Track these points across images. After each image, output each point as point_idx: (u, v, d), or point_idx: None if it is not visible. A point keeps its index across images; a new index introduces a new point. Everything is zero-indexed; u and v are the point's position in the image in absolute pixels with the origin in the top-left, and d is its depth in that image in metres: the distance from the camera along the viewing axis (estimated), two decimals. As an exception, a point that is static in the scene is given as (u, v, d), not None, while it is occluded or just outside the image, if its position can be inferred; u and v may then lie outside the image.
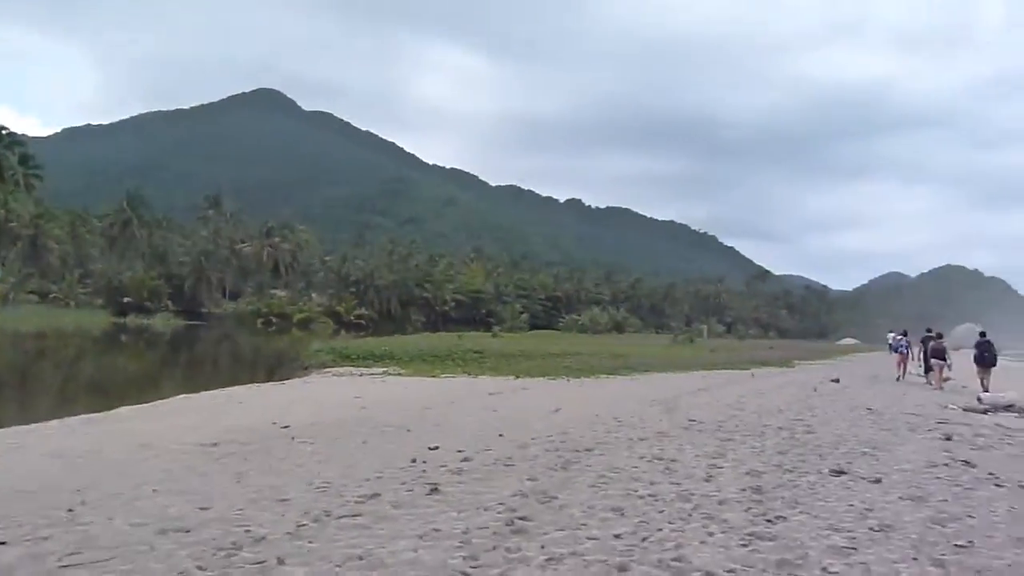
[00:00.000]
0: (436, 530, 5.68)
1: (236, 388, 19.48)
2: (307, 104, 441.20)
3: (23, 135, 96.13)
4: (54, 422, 12.61)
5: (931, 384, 23.52)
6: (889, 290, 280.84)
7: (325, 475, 7.79)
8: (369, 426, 11.74)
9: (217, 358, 40.51)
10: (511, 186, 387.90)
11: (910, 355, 27.26)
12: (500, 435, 10.66)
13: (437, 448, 9.42)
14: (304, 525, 5.79)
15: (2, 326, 52.32)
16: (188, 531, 5.60)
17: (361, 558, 4.99)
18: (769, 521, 6.06)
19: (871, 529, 5.87)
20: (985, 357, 21.37)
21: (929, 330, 25.87)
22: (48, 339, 46.71)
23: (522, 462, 8.58)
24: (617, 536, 5.57)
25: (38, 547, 5.18)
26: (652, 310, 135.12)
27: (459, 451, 9.24)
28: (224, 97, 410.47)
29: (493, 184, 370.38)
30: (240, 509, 6.32)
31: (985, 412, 15.71)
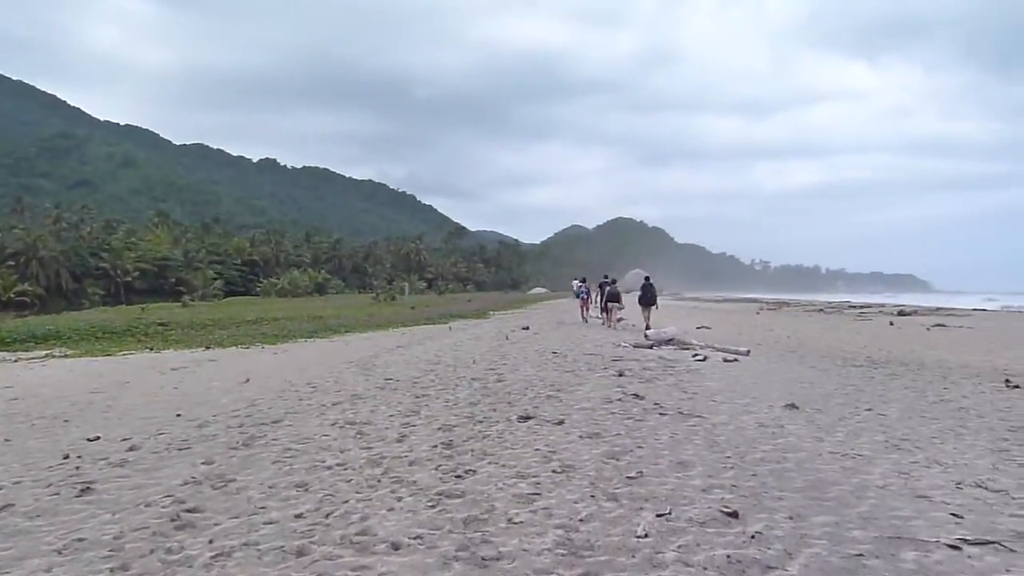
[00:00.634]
0: (80, 540, 4.81)
1: None
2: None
3: None
4: None
5: (610, 325, 25.83)
6: (572, 241, 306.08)
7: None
8: (16, 421, 10.02)
9: None
10: (198, 145, 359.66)
11: (590, 299, 29.76)
12: (178, 415, 9.62)
13: (98, 439, 8.22)
14: None
15: None
16: None
17: (-29, 591, 4.05)
18: (459, 477, 5.98)
19: (554, 472, 6.03)
20: (647, 297, 23.93)
21: (605, 276, 28.39)
22: None
23: (199, 443, 7.75)
24: (299, 516, 5.12)
25: None
26: (354, 270, 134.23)
27: (125, 439, 8.13)
28: None
29: (177, 143, 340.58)
30: None
31: (651, 347, 17.46)
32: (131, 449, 7.65)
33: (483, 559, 4.28)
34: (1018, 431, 8.62)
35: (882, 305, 63.81)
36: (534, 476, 5.91)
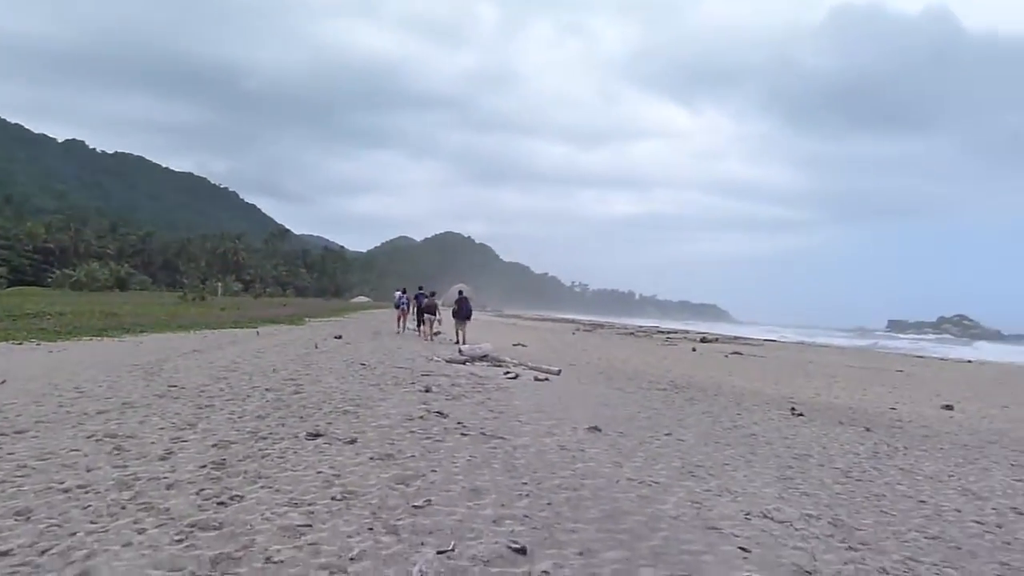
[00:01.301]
0: None
1: None
2: None
3: None
4: None
5: (426, 337, 25.35)
6: (399, 252, 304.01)
7: None
8: None
9: None
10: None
11: (409, 310, 29.18)
12: None
13: None
14: None
15: None
16: None
17: None
18: (221, 504, 5.22)
19: (333, 499, 5.41)
20: (462, 312, 23.77)
21: (421, 288, 27.93)
22: None
23: (-91, 458, 6.43)
24: (4, 554, 4.19)
25: None
26: (165, 266, 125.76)
27: None
28: None
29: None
30: None
31: (464, 363, 17.14)
32: None
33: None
34: (801, 459, 8.95)
35: (687, 332, 67.65)
36: (310, 504, 5.26)
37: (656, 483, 6.84)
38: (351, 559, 4.30)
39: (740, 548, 5.06)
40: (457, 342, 23.11)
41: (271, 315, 40.26)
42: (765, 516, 6.00)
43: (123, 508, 5.07)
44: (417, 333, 26.87)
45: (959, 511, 6.97)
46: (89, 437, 7.35)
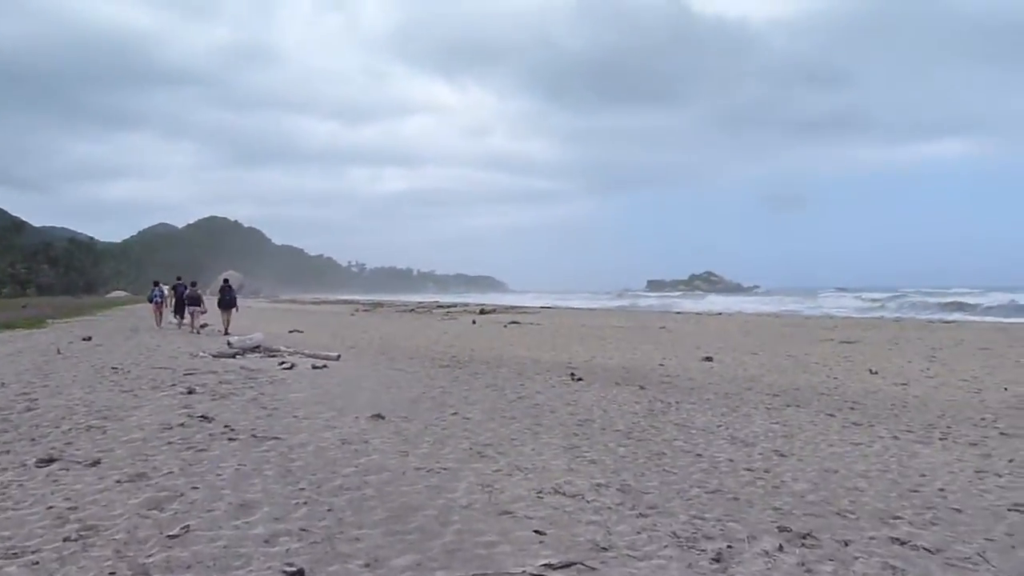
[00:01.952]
0: None
1: None
2: None
3: None
4: None
5: (192, 330, 23.44)
6: (159, 240, 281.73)
7: None
8: None
9: None
10: None
11: (165, 303, 26.88)
12: None
13: None
14: None
15: None
16: None
17: None
18: (-90, 567, 4.17)
19: (66, 540, 4.50)
20: (226, 300, 22.27)
21: (179, 278, 25.82)
22: None
23: None
24: None
25: None
26: None
27: None
28: None
29: None
30: None
31: (234, 356, 15.91)
32: None
33: None
34: (585, 424, 9.06)
35: (466, 304, 68.63)
36: (34, 552, 4.33)
37: (445, 469, 6.51)
38: (85, 617, 3.54)
39: (535, 532, 4.85)
40: (225, 333, 21.56)
41: (6, 319, 35.46)
42: (557, 492, 5.86)
43: None
44: (179, 327, 24.77)
45: (732, 460, 7.30)
46: None
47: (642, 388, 12.50)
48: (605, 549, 4.58)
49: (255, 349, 16.93)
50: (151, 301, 27.82)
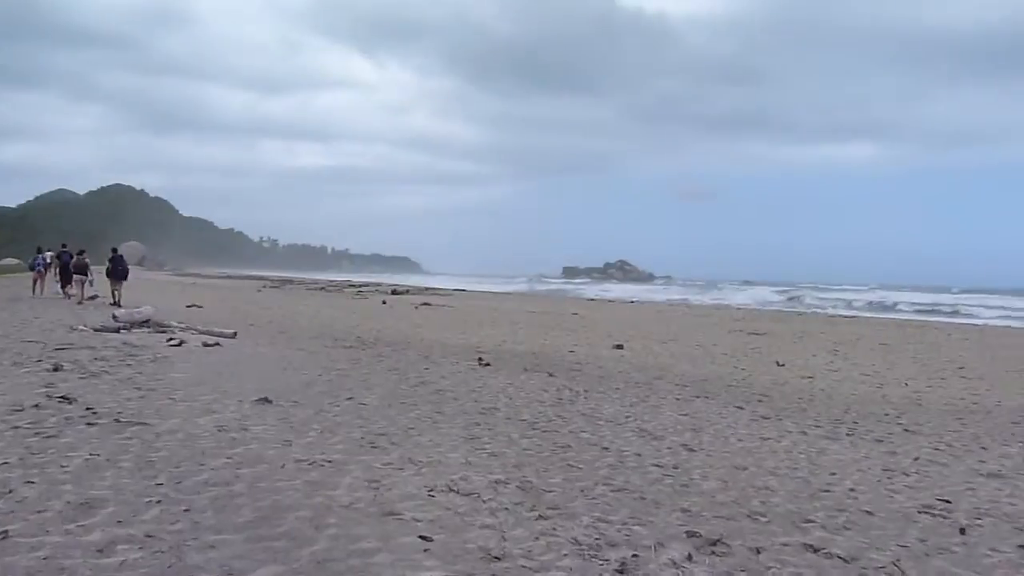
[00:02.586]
0: None
1: None
2: None
3: None
4: None
5: (79, 302, 21.91)
6: (58, 207, 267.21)
7: None
8: None
9: None
10: None
11: (49, 271, 25.11)
12: None
13: None
14: None
15: None
16: None
17: None
18: None
19: None
20: (117, 271, 20.91)
21: (64, 246, 24.15)
22: None
23: None
24: None
25: None
26: None
27: None
28: None
29: None
30: None
31: (118, 330, 14.77)
32: None
33: None
34: (488, 413, 8.58)
35: (379, 284, 67.35)
36: None
37: (330, 462, 5.91)
38: None
39: (421, 537, 4.32)
40: (114, 305, 20.20)
41: None
42: (450, 489, 5.34)
43: None
44: (65, 298, 23.13)
45: (639, 455, 6.94)
46: None
47: (551, 375, 12.11)
48: (498, 559, 4.09)
49: (143, 324, 15.78)
50: (32, 269, 25.94)
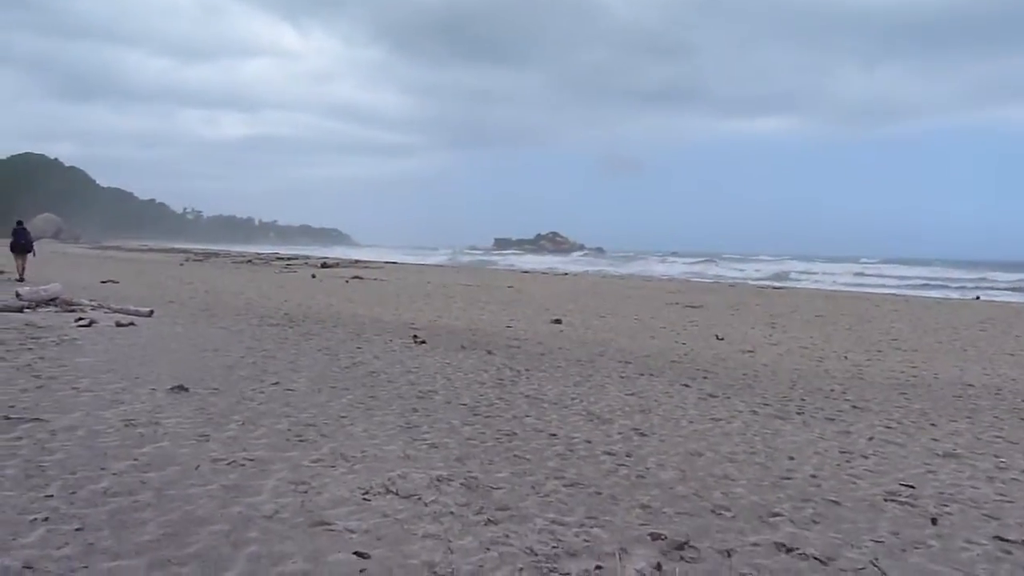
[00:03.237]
0: None
1: None
2: None
3: None
4: None
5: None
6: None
7: None
8: None
9: None
10: None
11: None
12: None
13: None
14: None
15: None
16: None
17: None
18: None
19: None
20: (20, 244, 19.55)
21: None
22: None
23: None
24: None
25: None
26: None
27: None
28: None
29: None
30: None
31: (21, 310, 13.66)
32: None
33: None
34: (426, 397, 8.05)
35: (308, 257, 65.69)
36: None
37: (251, 460, 5.30)
38: None
39: (357, 554, 3.78)
40: (19, 281, 18.85)
41: None
42: (388, 490, 4.81)
43: None
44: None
45: (589, 442, 6.52)
46: None
47: (490, 353, 11.62)
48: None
49: (50, 302, 14.66)
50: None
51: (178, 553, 3.68)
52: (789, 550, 4.25)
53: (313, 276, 33.94)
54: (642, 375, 10.36)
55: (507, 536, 4.17)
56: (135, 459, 5.14)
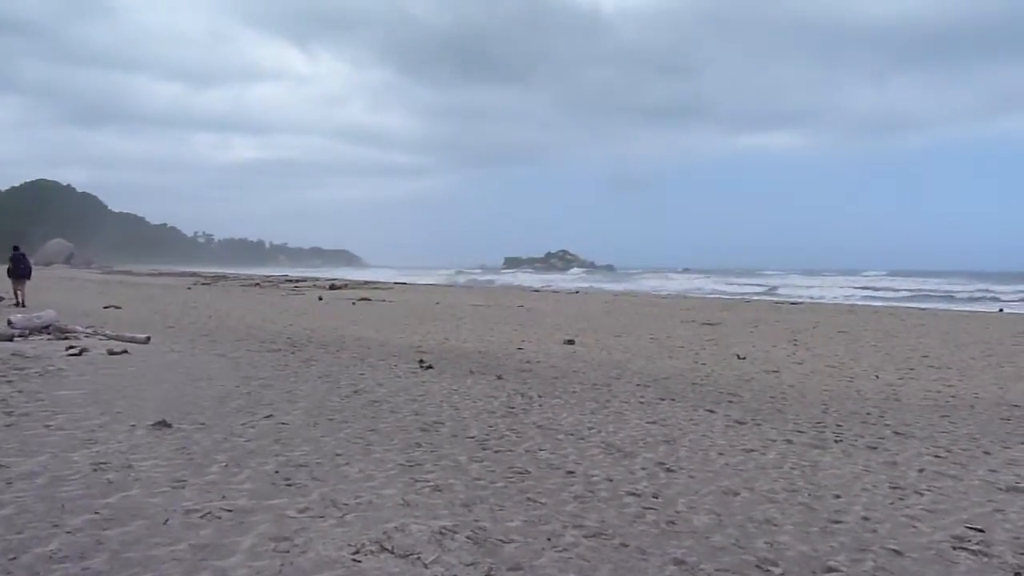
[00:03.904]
0: None
1: None
2: None
3: None
4: None
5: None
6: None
7: None
8: None
9: None
10: None
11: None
12: None
13: None
14: None
15: None
16: None
17: None
18: None
19: None
20: (20, 270, 19.11)
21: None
22: None
23: None
24: None
25: None
26: None
27: None
28: None
29: None
30: None
31: (11, 339, 13.12)
32: None
33: None
34: (431, 430, 7.41)
35: (317, 279, 65.26)
36: None
37: (229, 511, 4.67)
38: None
39: (338, 637, 3.14)
40: (18, 304, 18.37)
41: None
42: (383, 548, 4.17)
43: None
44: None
45: (611, 480, 5.86)
46: None
47: (500, 378, 10.98)
48: (445, 669, 2.94)
49: (44, 329, 14.13)
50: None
51: (123, 640, 3.05)
52: (855, 619, 3.58)
53: (320, 298, 33.43)
54: (663, 400, 9.69)
55: (520, 607, 3.52)
56: (96, 512, 4.52)
